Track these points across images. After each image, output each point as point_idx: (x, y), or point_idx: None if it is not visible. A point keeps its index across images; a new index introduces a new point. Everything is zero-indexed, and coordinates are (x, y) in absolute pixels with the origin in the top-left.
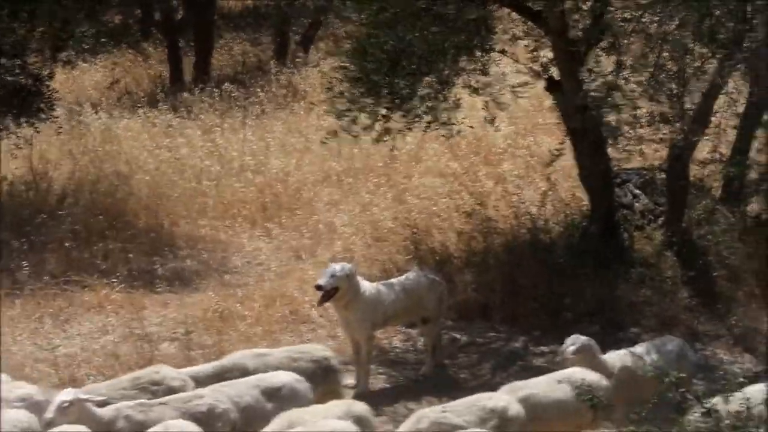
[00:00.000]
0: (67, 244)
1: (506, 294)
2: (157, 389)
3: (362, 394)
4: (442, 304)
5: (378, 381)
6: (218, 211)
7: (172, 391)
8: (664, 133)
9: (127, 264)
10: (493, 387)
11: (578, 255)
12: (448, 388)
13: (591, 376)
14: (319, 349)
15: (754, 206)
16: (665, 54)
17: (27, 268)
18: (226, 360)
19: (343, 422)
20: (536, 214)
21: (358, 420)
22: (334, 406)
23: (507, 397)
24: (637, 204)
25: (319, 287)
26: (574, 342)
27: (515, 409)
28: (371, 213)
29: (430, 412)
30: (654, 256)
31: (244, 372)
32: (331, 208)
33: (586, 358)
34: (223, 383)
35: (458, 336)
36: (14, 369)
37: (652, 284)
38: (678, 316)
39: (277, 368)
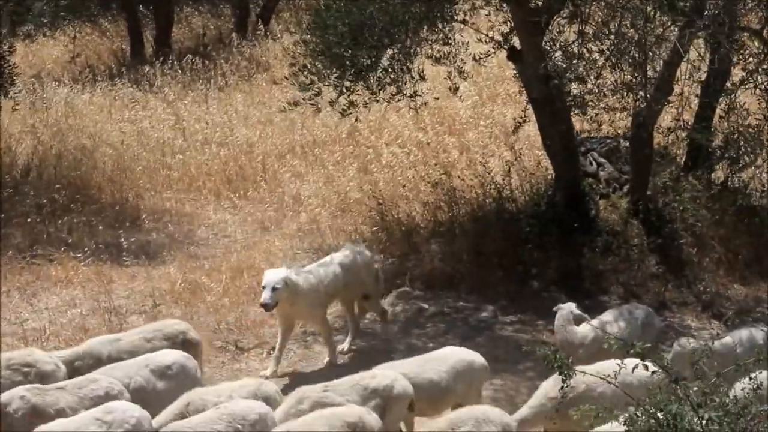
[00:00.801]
0: (31, 218)
1: (473, 263)
2: (29, 371)
3: (332, 364)
4: (380, 279)
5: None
6: (183, 184)
7: (43, 374)
8: (627, 102)
9: (93, 237)
10: None
11: (544, 224)
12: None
13: (468, 357)
14: (173, 324)
15: (718, 173)
16: (627, 22)
17: None
18: (81, 347)
19: (255, 402)
20: (502, 183)
21: (266, 399)
22: (242, 386)
23: (393, 374)
24: (601, 172)
25: (265, 306)
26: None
27: (401, 386)
28: (337, 184)
29: (311, 391)
30: (620, 224)
31: (98, 358)
32: (296, 180)
33: (558, 324)
34: (113, 365)
35: (426, 306)
36: None
37: (618, 252)
38: (645, 283)
39: (130, 352)
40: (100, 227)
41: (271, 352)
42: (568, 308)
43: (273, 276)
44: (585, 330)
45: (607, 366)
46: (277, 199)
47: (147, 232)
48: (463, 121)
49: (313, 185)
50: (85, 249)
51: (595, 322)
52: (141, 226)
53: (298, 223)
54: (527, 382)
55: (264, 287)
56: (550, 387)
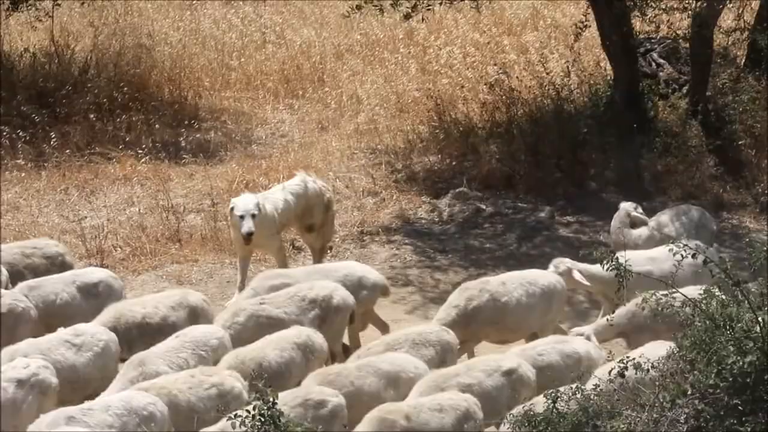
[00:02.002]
0: (91, 117)
1: (530, 164)
2: None
3: None
4: (329, 212)
5: (405, 251)
6: (241, 84)
7: None
8: (687, 2)
9: (152, 136)
10: (519, 258)
11: (602, 125)
12: (474, 258)
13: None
14: (52, 245)
15: None
16: None
17: (53, 140)
18: None
19: (212, 327)
20: (560, 84)
21: (193, 309)
22: (167, 297)
23: (332, 285)
24: (660, 73)
25: (250, 233)
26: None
27: (340, 296)
28: (395, 84)
29: (246, 303)
30: (678, 125)
31: None
32: (355, 80)
33: (614, 225)
34: (38, 281)
35: (483, 206)
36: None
37: (676, 153)
38: (703, 185)
39: (9, 263)
40: (158, 126)
41: (329, 251)
42: (624, 209)
43: (248, 203)
44: (639, 231)
45: None
46: (334, 99)
47: (205, 131)
48: (521, 22)
49: (371, 85)
50: (144, 147)
51: (652, 223)
52: (199, 125)
53: (355, 123)
54: None
55: (242, 216)
56: None
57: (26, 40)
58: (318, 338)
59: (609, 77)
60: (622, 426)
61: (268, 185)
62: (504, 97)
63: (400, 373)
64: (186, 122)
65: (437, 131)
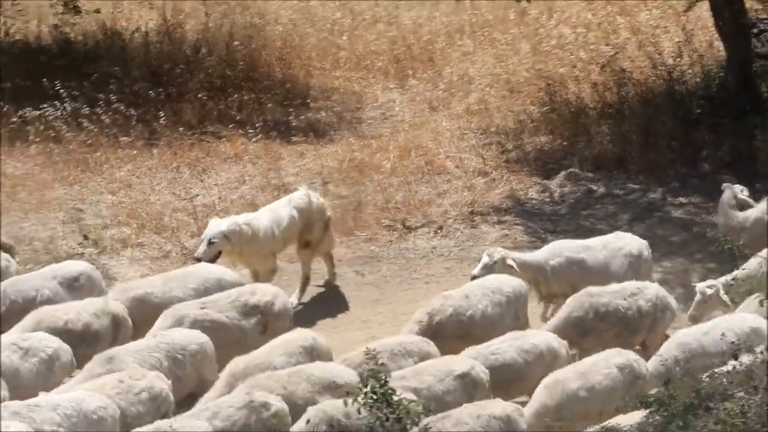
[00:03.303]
0: (202, 95)
1: (642, 145)
2: None
3: None
4: (328, 231)
5: (516, 232)
6: (351, 63)
7: None
8: None
9: (262, 115)
10: None
11: (715, 105)
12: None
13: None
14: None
15: None
16: None
17: (164, 119)
18: None
19: (195, 332)
20: (672, 64)
21: (115, 318)
22: (90, 304)
23: (274, 290)
24: None
25: (197, 260)
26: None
27: (281, 303)
28: (506, 64)
29: (187, 309)
30: None
31: None
32: (465, 60)
33: (720, 207)
34: (17, 278)
35: (594, 187)
36: (153, 218)
37: None
38: None
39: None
40: (269, 105)
41: (438, 231)
42: (730, 191)
43: (212, 229)
44: (746, 213)
45: None
46: (445, 79)
47: (315, 110)
48: (636, 3)
49: (482, 65)
50: (255, 126)
51: (763, 206)
52: (309, 105)
53: (466, 103)
54: (696, 265)
55: (203, 239)
56: None
57: (139, 20)
58: (322, 340)
59: (722, 58)
60: (735, 408)
61: (378, 164)
62: (616, 77)
63: (335, 380)
64: (296, 101)
65: (548, 111)
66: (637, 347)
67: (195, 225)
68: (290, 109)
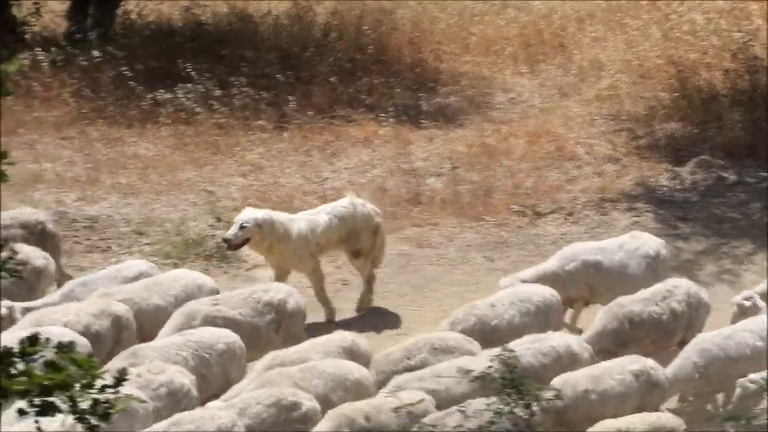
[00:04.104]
0: (332, 79)
1: None
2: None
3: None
4: (377, 237)
5: (646, 219)
6: (481, 48)
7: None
8: None
9: (392, 99)
10: (762, 228)
11: None
12: (717, 227)
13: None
14: (31, 214)
15: None
16: None
17: (294, 102)
18: None
19: (223, 331)
20: None
21: (117, 319)
22: (89, 305)
23: (287, 288)
24: None
25: (226, 240)
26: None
27: (295, 301)
28: (637, 50)
29: (200, 305)
30: None
31: None
32: (596, 45)
33: None
34: (83, 280)
35: (726, 175)
36: (283, 201)
37: None
38: None
39: None
40: (398, 89)
41: (568, 217)
42: None
43: (246, 214)
44: None
45: None
46: (575, 65)
47: (445, 95)
48: None
49: (612, 51)
50: (385, 110)
51: None
52: (439, 89)
53: (596, 89)
54: None
55: (234, 222)
56: None
57: (269, 3)
58: (362, 342)
59: None
60: None
61: (507, 149)
62: (748, 64)
63: (347, 376)
64: (426, 86)
65: (679, 98)
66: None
67: None
68: (420, 94)
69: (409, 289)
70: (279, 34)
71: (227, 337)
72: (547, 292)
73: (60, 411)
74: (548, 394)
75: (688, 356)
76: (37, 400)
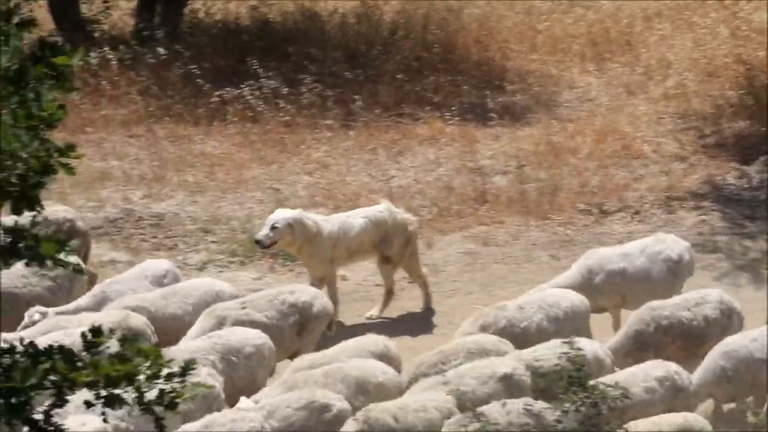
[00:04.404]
0: (399, 77)
1: None
2: None
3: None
4: (409, 247)
5: (713, 218)
6: (549, 46)
7: None
8: None
9: (459, 97)
10: None
11: None
12: None
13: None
14: (61, 211)
15: None
16: None
17: (360, 100)
18: None
19: (253, 331)
20: None
21: (129, 329)
22: (106, 316)
23: (313, 291)
24: None
25: (257, 241)
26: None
27: (321, 304)
28: (704, 48)
29: (228, 309)
30: None
31: None
32: (663, 44)
33: None
34: (113, 279)
35: None
36: (349, 199)
37: None
38: None
39: None
40: (465, 87)
41: (635, 216)
42: None
43: (278, 214)
44: None
45: None
46: (642, 63)
47: (511, 93)
48: None
49: (680, 49)
50: (451, 108)
51: None
52: (505, 87)
53: (664, 88)
54: None
55: (265, 224)
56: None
57: (336, 1)
58: (393, 347)
59: None
60: None
61: (574, 147)
62: None
63: (371, 380)
64: (493, 84)
65: (747, 96)
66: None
67: None
68: (486, 92)
69: (475, 287)
70: (346, 33)
71: (256, 339)
72: (576, 299)
73: (127, 402)
74: (615, 393)
75: (714, 359)
76: (103, 392)
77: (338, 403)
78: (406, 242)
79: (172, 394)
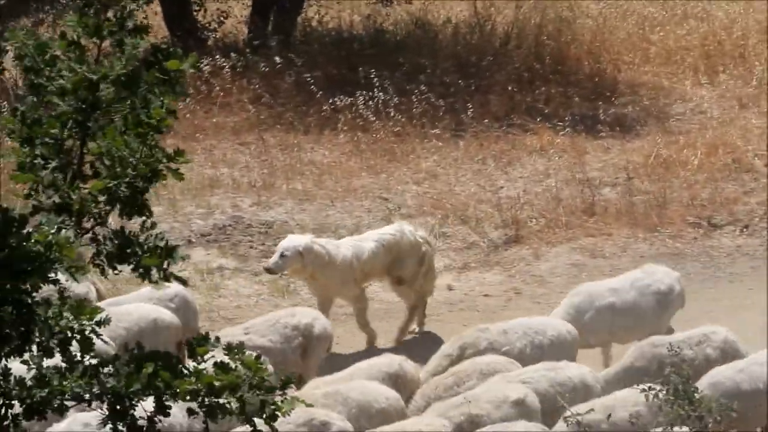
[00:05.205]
0: (510, 87)
1: None
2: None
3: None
4: (423, 267)
5: None
6: (661, 58)
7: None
8: None
9: (569, 108)
10: None
11: None
12: None
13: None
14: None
15: None
16: None
17: (471, 110)
18: None
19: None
20: None
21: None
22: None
23: (313, 313)
24: None
25: (267, 270)
26: None
27: (321, 326)
28: None
29: (232, 335)
30: None
31: None
32: None
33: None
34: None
35: None
36: (457, 209)
37: None
38: None
39: None
40: (576, 98)
41: (744, 230)
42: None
43: (288, 242)
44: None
45: None
46: (756, 76)
47: (622, 105)
48: None
49: None
50: (562, 119)
51: None
52: (617, 99)
53: None
54: None
55: (276, 251)
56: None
57: (449, 10)
58: (409, 367)
59: None
60: None
61: (684, 160)
62: None
63: (373, 404)
64: (604, 96)
65: None
66: None
67: (499, 217)
68: (597, 103)
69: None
70: (458, 42)
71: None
72: (564, 328)
73: (230, 412)
74: (722, 407)
75: (702, 390)
76: (206, 401)
77: (338, 422)
78: (419, 262)
79: (273, 407)
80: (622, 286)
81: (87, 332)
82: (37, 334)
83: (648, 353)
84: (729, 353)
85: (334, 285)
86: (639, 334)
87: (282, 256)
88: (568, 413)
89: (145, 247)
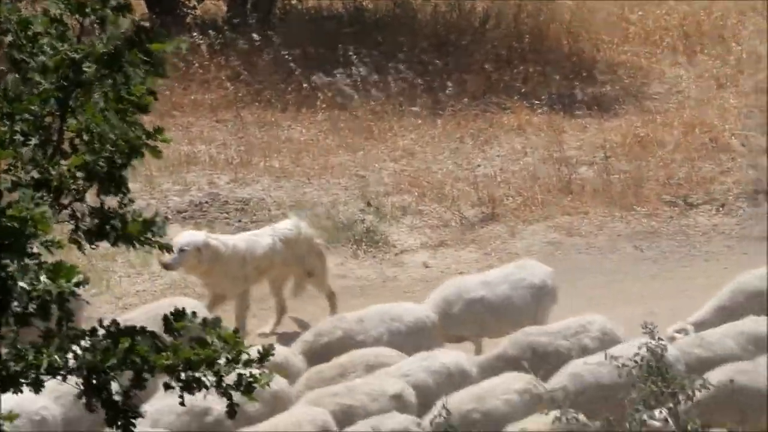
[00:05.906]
0: (488, 66)
1: None
2: None
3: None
4: (322, 257)
5: None
6: (640, 38)
7: None
8: None
9: (547, 87)
10: None
11: None
12: None
13: None
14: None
15: None
16: None
17: (449, 89)
18: None
19: None
20: None
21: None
22: None
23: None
24: None
25: (165, 266)
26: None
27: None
28: None
29: None
30: None
31: None
32: (756, 37)
33: None
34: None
35: None
36: (434, 187)
37: None
38: None
39: None
40: (554, 78)
41: (720, 209)
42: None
43: (186, 237)
44: None
45: None
46: (734, 56)
47: (601, 84)
48: None
49: None
50: (540, 98)
51: None
52: (595, 79)
53: (754, 81)
54: None
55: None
56: None
57: None
58: (297, 360)
59: None
60: None
61: (661, 139)
62: None
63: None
64: (582, 75)
65: None
66: None
67: (475, 195)
68: (575, 83)
69: (557, 277)
70: (436, 21)
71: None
72: (422, 313)
73: (206, 386)
74: (696, 384)
75: (560, 380)
76: (183, 375)
77: (217, 406)
78: (318, 256)
79: (249, 379)
80: (493, 279)
81: (65, 294)
82: (15, 304)
83: (522, 341)
84: (607, 342)
85: (224, 279)
86: (511, 329)
87: (181, 251)
88: (440, 402)
89: (126, 220)
